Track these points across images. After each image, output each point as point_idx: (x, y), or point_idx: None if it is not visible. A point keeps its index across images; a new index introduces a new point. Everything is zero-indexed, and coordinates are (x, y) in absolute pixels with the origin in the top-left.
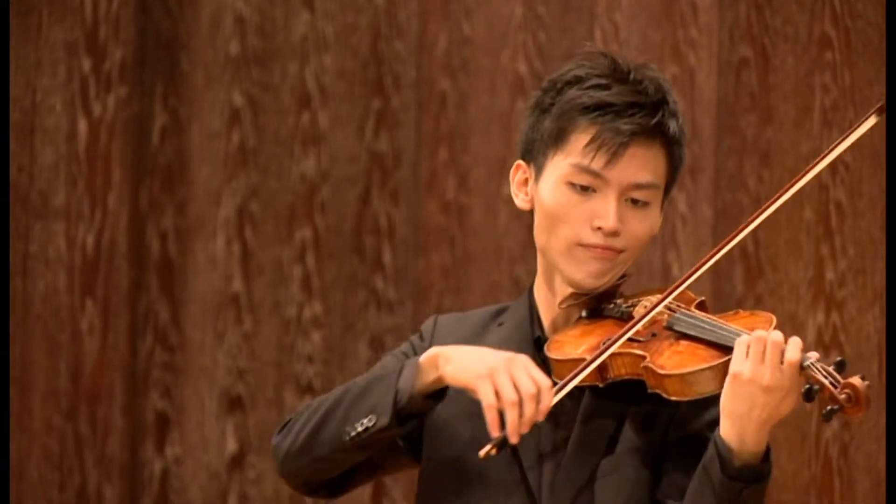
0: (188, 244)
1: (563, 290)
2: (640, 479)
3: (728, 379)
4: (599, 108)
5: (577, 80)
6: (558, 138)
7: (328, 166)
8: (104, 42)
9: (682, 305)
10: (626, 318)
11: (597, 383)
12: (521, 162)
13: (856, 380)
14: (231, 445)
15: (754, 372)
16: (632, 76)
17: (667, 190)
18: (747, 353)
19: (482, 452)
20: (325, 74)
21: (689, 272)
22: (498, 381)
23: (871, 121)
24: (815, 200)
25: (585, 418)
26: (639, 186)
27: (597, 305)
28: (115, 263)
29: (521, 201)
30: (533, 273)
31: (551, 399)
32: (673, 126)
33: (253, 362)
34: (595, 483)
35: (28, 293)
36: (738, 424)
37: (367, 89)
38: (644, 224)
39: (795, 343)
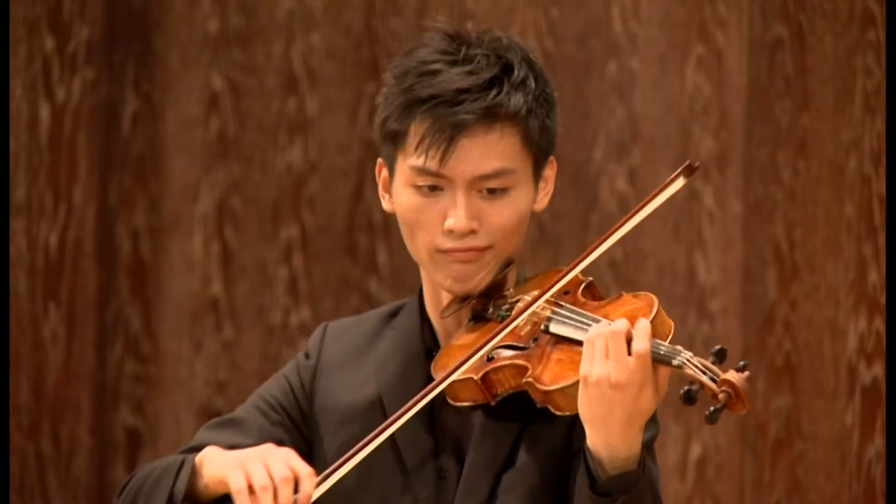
0: (162, 243)
1: (446, 296)
2: (542, 492)
3: (580, 382)
4: (424, 103)
5: (406, 73)
6: (396, 139)
7: (317, 157)
8: (69, 19)
9: (564, 298)
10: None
11: (487, 402)
12: (381, 160)
13: (732, 374)
14: None
15: (601, 370)
16: (462, 54)
17: (537, 164)
18: (593, 350)
19: None
20: (313, 55)
21: (564, 272)
22: (250, 469)
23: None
24: (857, 194)
25: (481, 436)
26: (485, 177)
27: (485, 305)
28: (81, 265)
29: (386, 203)
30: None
31: (313, 486)
32: (516, 101)
33: (234, 373)
34: (496, 500)
35: None
36: (601, 430)
37: (359, 71)
38: (505, 213)
39: (642, 331)
